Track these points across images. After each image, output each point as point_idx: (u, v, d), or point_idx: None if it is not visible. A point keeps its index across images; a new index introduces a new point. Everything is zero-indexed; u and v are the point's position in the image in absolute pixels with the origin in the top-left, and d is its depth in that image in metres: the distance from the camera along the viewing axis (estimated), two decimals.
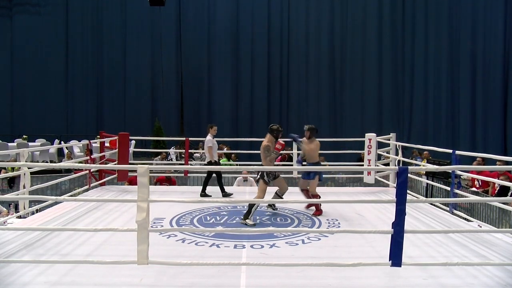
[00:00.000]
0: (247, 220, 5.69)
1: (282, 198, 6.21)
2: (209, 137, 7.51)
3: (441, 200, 7.35)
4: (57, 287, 3.64)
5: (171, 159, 13.44)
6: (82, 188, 8.20)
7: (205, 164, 8.24)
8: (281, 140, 6.15)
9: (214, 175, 7.75)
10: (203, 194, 7.50)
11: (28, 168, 5.79)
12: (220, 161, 12.31)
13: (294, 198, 6.41)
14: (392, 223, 3.70)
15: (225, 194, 7.45)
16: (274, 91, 18.93)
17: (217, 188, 7.53)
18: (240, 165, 11.82)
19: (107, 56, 19.32)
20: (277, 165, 12.18)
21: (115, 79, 19.24)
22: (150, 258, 3.65)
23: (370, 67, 18.25)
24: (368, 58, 18.27)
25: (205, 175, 7.88)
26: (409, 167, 3.77)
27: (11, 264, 4.01)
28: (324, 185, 10.61)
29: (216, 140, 7.67)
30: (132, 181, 8.84)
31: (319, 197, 6.29)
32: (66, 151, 13.38)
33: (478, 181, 8.66)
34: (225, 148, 13.41)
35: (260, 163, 6.42)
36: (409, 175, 3.81)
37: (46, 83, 19.03)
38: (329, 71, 18.59)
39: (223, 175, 10.66)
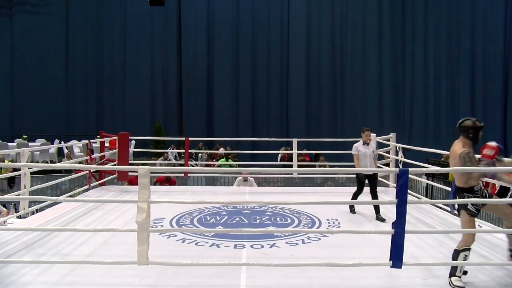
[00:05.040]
0: (452, 279, 3.70)
1: None
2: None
3: (442, 201, 7.34)
4: None
5: (170, 160, 13.44)
6: (82, 188, 8.19)
7: None
8: (492, 143, 4.06)
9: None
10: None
11: (28, 168, 5.78)
12: (219, 162, 12.30)
13: (293, 198, 6.40)
14: (392, 223, 3.69)
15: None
16: (274, 90, 18.93)
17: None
18: (240, 165, 11.79)
19: (107, 56, 19.33)
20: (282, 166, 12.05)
21: (115, 79, 19.25)
22: (150, 258, 3.64)
23: (370, 67, 18.26)
24: (368, 58, 18.29)
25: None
26: (409, 169, 3.74)
27: (11, 264, 4.00)
28: (324, 185, 10.65)
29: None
30: (132, 181, 8.82)
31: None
32: (66, 151, 13.37)
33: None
34: (228, 148, 13.35)
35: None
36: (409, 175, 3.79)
37: (46, 83, 19.05)
38: (329, 71, 18.61)
39: (224, 175, 10.61)
